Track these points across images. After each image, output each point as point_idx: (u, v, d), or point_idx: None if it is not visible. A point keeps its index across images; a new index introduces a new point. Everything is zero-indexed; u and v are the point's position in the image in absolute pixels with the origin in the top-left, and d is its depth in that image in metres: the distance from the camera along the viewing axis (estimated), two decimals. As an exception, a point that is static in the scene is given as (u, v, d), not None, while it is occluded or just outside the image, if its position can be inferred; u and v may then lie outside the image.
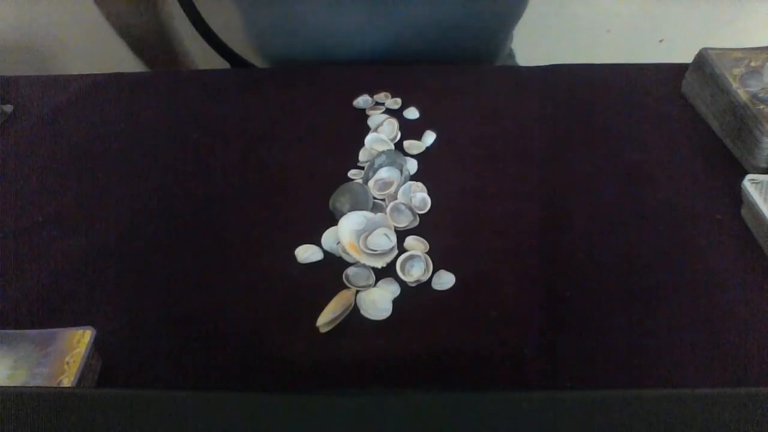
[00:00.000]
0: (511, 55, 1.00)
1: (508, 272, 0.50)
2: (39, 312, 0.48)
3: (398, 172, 0.58)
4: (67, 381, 0.40)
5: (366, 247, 0.50)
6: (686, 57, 0.70)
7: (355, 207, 0.54)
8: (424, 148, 0.63)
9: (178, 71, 0.81)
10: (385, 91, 0.71)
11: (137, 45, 1.00)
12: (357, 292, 0.49)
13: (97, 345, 0.43)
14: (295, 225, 0.55)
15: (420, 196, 0.57)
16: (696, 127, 0.66)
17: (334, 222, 0.53)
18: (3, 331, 0.44)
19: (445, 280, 0.49)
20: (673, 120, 0.67)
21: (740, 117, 0.59)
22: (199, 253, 0.53)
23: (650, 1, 1.34)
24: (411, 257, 0.51)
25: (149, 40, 1.00)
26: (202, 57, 0.96)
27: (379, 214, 0.54)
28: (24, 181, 0.61)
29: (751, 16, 1.27)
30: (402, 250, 0.52)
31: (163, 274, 0.52)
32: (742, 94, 0.60)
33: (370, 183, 0.57)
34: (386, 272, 0.50)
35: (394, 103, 0.70)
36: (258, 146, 0.65)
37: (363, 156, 0.62)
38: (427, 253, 0.51)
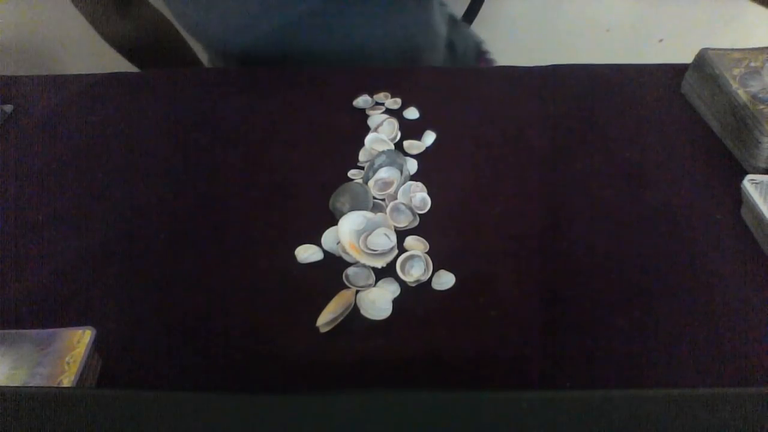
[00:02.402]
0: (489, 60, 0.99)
1: (508, 272, 0.50)
2: (39, 312, 0.48)
3: (398, 172, 0.58)
4: (67, 381, 0.40)
5: (366, 247, 0.50)
6: (686, 57, 0.70)
7: (355, 207, 0.54)
8: (424, 148, 0.63)
9: (177, 71, 0.80)
10: (385, 91, 0.71)
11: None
12: (357, 292, 0.49)
13: (97, 345, 0.43)
14: (295, 225, 0.55)
15: (420, 196, 0.57)
16: (696, 127, 0.66)
17: (334, 222, 0.53)
18: (3, 331, 0.44)
19: (445, 280, 0.49)
20: (673, 120, 0.67)
21: (740, 117, 0.59)
22: (200, 252, 0.53)
23: (650, 1, 1.34)
24: (411, 257, 0.51)
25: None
26: (202, 57, 0.97)
27: (379, 214, 0.54)
28: (24, 181, 0.61)
29: (751, 15, 1.28)
30: (402, 250, 0.52)
31: (163, 274, 0.52)
32: (742, 94, 0.60)
33: (370, 183, 0.57)
34: (386, 272, 0.50)
35: (394, 103, 0.70)
36: (258, 146, 0.65)
37: (363, 156, 0.62)
38: (427, 253, 0.51)
